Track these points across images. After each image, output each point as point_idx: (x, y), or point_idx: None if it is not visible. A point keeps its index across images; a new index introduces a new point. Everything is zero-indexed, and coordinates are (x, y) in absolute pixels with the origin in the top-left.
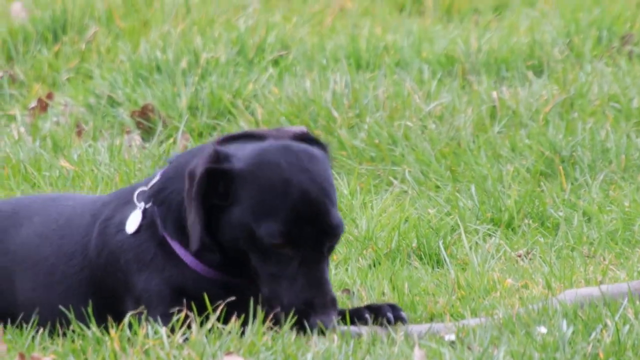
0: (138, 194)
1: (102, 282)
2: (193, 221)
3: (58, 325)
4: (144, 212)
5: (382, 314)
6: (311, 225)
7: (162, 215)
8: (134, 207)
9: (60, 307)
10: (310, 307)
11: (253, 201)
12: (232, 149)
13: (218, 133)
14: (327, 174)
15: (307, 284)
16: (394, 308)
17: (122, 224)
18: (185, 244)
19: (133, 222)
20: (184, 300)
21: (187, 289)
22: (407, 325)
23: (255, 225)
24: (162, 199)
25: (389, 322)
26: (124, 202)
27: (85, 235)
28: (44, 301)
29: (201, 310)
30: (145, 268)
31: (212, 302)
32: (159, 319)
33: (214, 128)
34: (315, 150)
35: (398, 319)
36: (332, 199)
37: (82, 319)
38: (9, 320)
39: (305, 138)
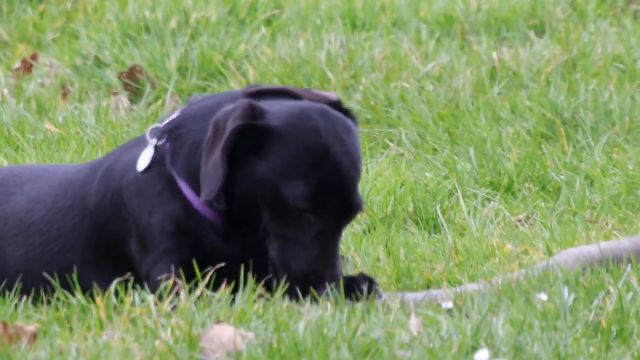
0: (151, 131)
1: (104, 228)
2: (214, 172)
3: (42, 293)
4: (157, 148)
5: (357, 287)
6: (337, 199)
7: (173, 152)
8: (144, 148)
9: (55, 266)
10: (319, 278)
11: (286, 160)
12: (267, 104)
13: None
14: (359, 149)
15: (321, 255)
16: (370, 281)
17: (130, 163)
18: (192, 184)
19: (145, 159)
20: (185, 240)
21: (189, 229)
22: (403, 293)
23: (282, 184)
24: (177, 136)
25: (362, 295)
26: (132, 146)
27: (83, 186)
28: (38, 263)
29: (201, 252)
30: (150, 202)
31: (210, 249)
32: (162, 256)
33: (204, 89)
34: (349, 122)
35: (372, 292)
36: (360, 176)
37: (80, 276)
38: None
39: (338, 107)
